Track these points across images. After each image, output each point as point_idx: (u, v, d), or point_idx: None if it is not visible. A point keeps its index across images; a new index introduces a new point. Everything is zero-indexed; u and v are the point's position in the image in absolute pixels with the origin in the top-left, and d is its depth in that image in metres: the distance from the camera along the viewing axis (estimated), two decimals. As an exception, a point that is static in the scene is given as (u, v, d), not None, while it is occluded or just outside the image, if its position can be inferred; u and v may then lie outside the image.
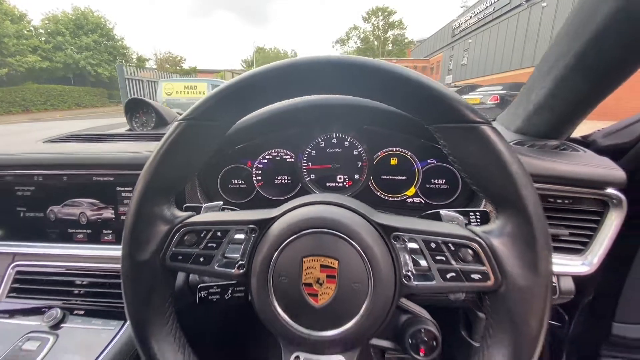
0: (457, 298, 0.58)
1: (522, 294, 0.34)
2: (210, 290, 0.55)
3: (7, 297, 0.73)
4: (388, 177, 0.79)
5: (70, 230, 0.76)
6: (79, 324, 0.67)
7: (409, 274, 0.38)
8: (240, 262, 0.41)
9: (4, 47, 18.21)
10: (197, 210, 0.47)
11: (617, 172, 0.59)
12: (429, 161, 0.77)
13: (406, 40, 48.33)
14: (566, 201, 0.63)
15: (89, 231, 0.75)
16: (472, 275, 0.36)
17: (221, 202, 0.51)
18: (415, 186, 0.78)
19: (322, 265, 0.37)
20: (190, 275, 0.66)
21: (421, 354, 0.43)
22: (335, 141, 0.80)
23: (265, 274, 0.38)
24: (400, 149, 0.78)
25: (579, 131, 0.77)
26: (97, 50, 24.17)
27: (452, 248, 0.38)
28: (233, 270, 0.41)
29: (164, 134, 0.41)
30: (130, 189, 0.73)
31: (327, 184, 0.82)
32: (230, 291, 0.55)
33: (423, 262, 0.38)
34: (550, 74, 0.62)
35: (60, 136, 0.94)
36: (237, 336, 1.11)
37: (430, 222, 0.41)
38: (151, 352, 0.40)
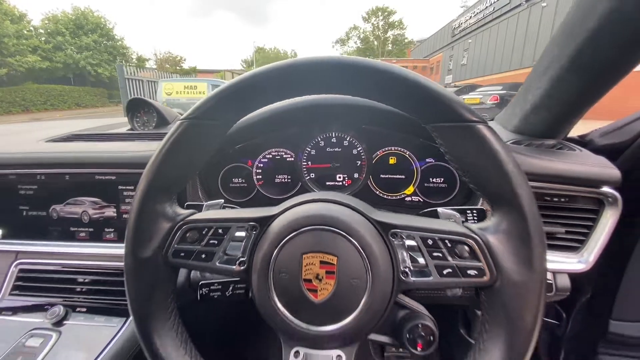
0: (454, 294, 0.59)
1: (516, 289, 0.35)
2: (212, 287, 0.56)
3: (10, 294, 0.74)
4: (387, 176, 0.80)
5: (72, 229, 0.76)
6: (82, 321, 0.68)
7: (407, 270, 0.39)
8: (241, 259, 0.41)
9: (4, 47, 18.20)
10: (199, 208, 0.48)
11: (612, 170, 0.60)
12: (427, 160, 0.78)
13: (406, 40, 48.28)
14: (562, 199, 0.63)
15: (91, 229, 0.76)
16: (468, 271, 0.37)
17: (222, 200, 0.51)
18: (413, 185, 0.79)
19: (321, 262, 0.38)
20: (192, 272, 0.66)
21: (419, 348, 0.44)
22: (334, 140, 0.80)
23: (266, 270, 0.39)
24: (399, 148, 0.78)
25: (578, 130, 0.78)
26: (97, 50, 24.17)
27: (449, 245, 0.38)
28: (234, 267, 0.41)
29: (165, 133, 0.42)
30: (132, 187, 0.74)
31: (327, 183, 0.82)
32: (231, 288, 0.56)
33: (420, 259, 0.39)
34: (546, 74, 0.63)
35: (62, 135, 0.94)
36: (238, 333, 1.12)
37: (427, 220, 0.42)
38: (153, 347, 0.40)
